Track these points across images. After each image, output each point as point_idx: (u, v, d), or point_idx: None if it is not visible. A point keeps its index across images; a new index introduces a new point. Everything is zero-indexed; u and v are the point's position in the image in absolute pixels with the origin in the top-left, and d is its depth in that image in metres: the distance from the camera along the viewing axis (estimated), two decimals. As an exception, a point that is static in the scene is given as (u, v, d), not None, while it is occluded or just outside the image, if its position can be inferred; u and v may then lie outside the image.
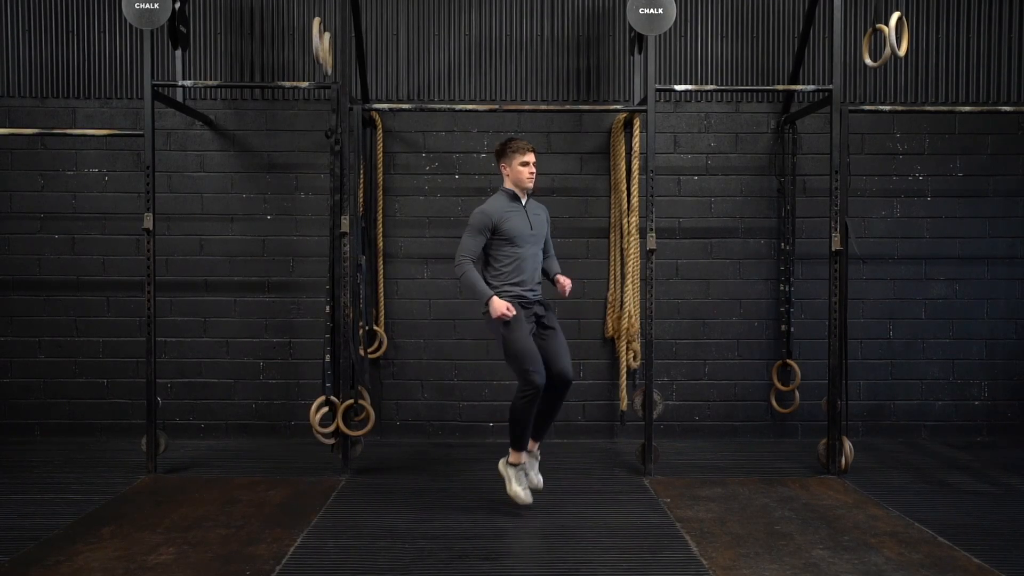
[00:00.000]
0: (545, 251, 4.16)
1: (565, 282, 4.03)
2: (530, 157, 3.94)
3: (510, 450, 3.93)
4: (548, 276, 4.18)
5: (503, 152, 3.98)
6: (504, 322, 3.77)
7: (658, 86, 4.77)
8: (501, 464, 4.01)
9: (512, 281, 3.89)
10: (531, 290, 3.94)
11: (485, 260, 3.98)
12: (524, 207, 3.99)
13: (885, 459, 5.06)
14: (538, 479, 4.03)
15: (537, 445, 4.05)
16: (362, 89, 5.40)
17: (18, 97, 5.52)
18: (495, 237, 3.89)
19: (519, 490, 3.88)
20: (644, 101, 4.81)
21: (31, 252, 5.52)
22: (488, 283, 3.91)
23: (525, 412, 3.77)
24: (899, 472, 4.75)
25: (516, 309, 3.81)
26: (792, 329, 5.50)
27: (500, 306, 3.74)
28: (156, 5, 4.52)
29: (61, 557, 3.32)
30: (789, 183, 5.53)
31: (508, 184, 4.01)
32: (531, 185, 3.98)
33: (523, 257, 3.91)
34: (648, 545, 3.51)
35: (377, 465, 4.87)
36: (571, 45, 5.61)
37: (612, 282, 5.51)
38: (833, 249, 4.64)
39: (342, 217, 4.57)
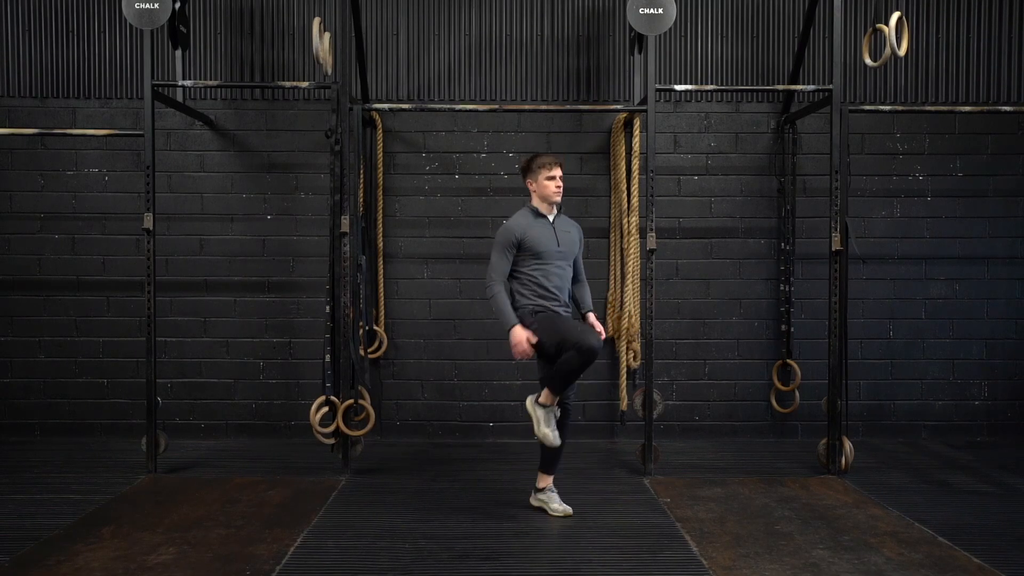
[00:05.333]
0: (576, 273, 4.06)
1: (599, 328, 3.89)
2: (556, 171, 3.88)
3: (545, 391, 3.79)
4: (578, 307, 4.08)
5: (529, 168, 3.93)
6: (537, 322, 3.74)
7: (658, 86, 4.77)
8: (529, 402, 3.85)
9: (539, 295, 3.83)
10: (561, 306, 3.88)
11: (512, 274, 3.90)
12: (552, 223, 3.92)
13: (885, 459, 5.06)
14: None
15: (556, 400, 3.87)
16: (362, 89, 5.40)
17: (18, 97, 5.52)
18: (520, 252, 3.83)
19: (548, 431, 3.77)
20: (644, 101, 4.81)
21: (31, 252, 5.52)
22: (516, 297, 3.87)
23: (577, 368, 3.63)
24: (899, 472, 4.75)
25: (544, 315, 3.78)
26: (792, 329, 5.50)
27: (519, 337, 3.71)
28: (156, 5, 4.52)
29: (61, 557, 3.32)
30: (789, 183, 5.53)
31: (535, 201, 3.95)
32: (558, 199, 3.92)
33: (549, 273, 3.84)
34: (648, 545, 3.51)
35: (377, 465, 4.87)
36: (571, 45, 5.61)
37: (612, 282, 5.51)
38: (833, 249, 4.64)
39: (342, 217, 4.57)
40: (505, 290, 3.84)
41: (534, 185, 3.93)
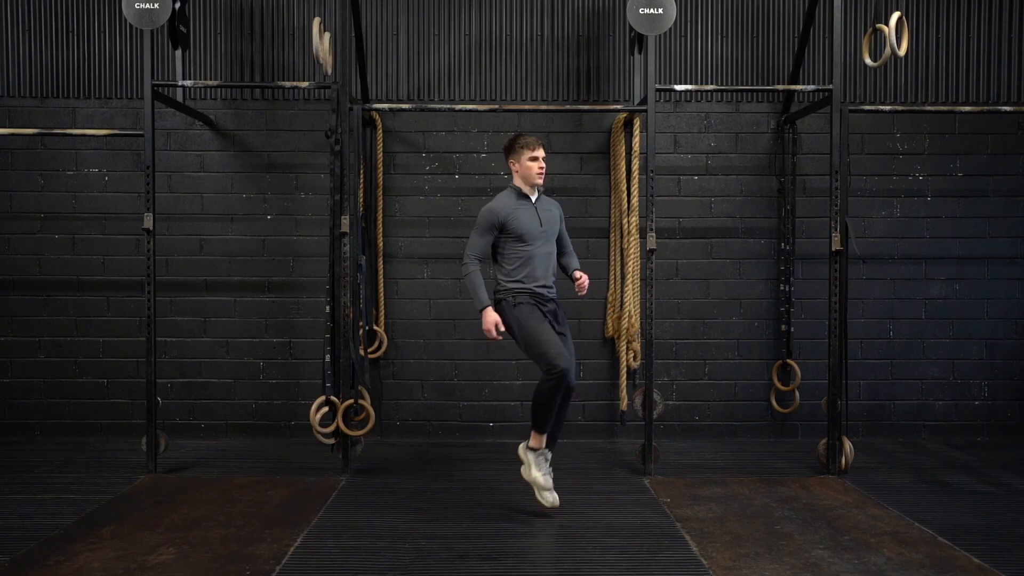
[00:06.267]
0: (562, 248, 4.11)
1: (583, 280, 3.98)
2: (539, 152, 3.90)
3: (532, 433, 3.84)
4: (567, 272, 4.13)
5: (512, 148, 3.95)
6: (518, 312, 3.78)
7: (658, 86, 4.77)
8: (521, 448, 3.92)
9: (523, 277, 3.86)
10: (545, 287, 3.90)
11: (495, 257, 3.95)
12: (534, 204, 3.95)
13: (885, 459, 5.06)
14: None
15: (544, 441, 3.93)
16: (362, 89, 5.40)
17: (18, 97, 5.52)
18: (503, 235, 3.87)
19: (538, 475, 3.82)
20: (644, 101, 4.81)
21: (31, 252, 5.52)
22: (500, 279, 3.91)
23: (549, 397, 3.70)
24: (899, 472, 4.75)
25: (529, 305, 3.82)
26: (792, 329, 5.50)
27: (489, 322, 3.78)
28: (156, 5, 4.52)
29: (61, 557, 3.32)
30: (789, 183, 5.53)
31: (517, 181, 3.97)
32: (540, 181, 3.94)
33: (533, 255, 3.87)
34: (648, 545, 3.51)
35: (377, 465, 4.87)
36: (571, 45, 5.61)
37: (612, 282, 5.51)
38: (833, 249, 4.64)
39: (342, 217, 4.57)
40: (481, 270, 3.87)
41: (516, 166, 3.95)
